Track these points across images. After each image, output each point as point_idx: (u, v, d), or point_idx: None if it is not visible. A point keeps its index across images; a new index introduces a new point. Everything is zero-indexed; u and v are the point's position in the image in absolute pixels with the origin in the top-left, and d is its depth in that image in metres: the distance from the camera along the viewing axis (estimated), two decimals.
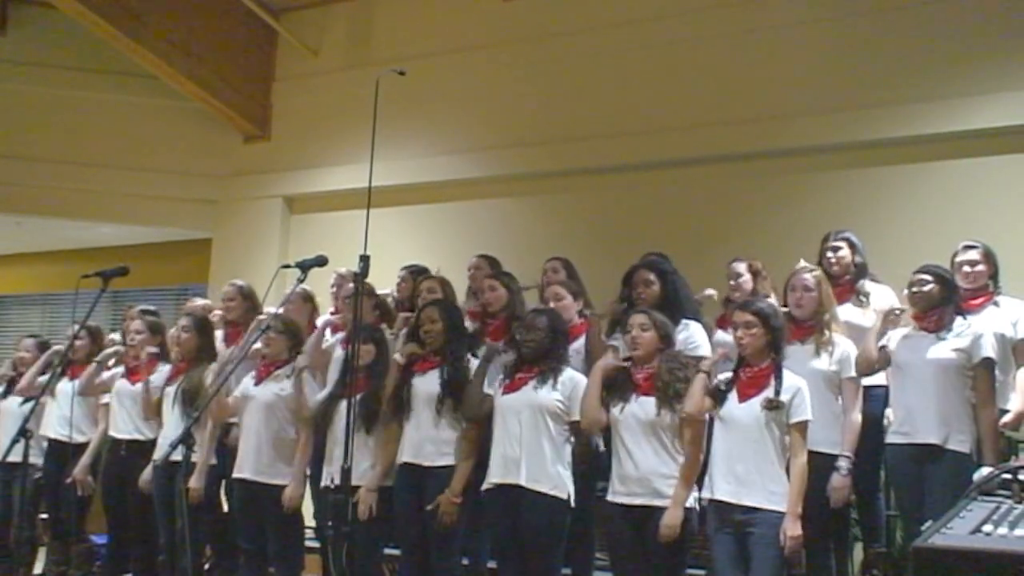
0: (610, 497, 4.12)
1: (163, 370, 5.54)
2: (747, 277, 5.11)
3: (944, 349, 4.24)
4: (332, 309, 5.92)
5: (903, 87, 6.30)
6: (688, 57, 7.01)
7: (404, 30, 8.21)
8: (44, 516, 6.11)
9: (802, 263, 4.63)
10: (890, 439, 4.35)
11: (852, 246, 4.94)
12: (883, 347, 4.36)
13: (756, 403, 3.84)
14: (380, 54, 8.14)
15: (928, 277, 4.34)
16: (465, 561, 4.63)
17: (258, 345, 5.19)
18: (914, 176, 6.25)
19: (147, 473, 5.29)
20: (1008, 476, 2.51)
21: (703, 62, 6.96)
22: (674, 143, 6.96)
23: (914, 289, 4.36)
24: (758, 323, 3.91)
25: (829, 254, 4.93)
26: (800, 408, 3.85)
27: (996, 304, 4.62)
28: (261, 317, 5.29)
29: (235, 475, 4.95)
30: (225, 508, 5.50)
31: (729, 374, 4.02)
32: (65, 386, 5.86)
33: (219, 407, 5.00)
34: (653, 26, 7.14)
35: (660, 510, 3.94)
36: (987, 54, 6.10)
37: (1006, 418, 4.27)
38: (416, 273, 5.80)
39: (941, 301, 4.31)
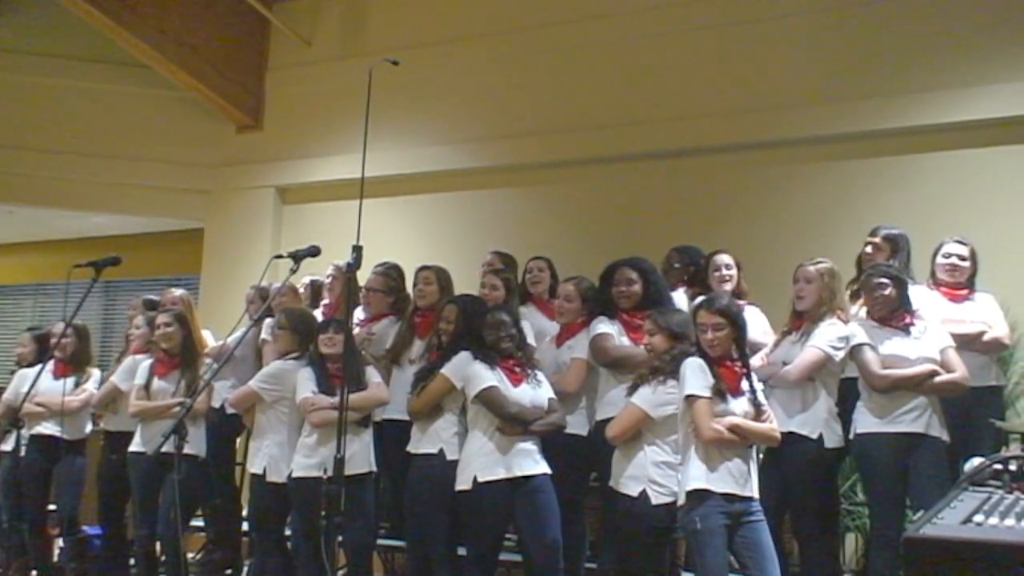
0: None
1: (142, 363, 5.49)
2: (735, 271, 5.08)
3: (923, 348, 4.32)
4: (327, 301, 5.90)
5: (894, 78, 6.28)
6: (680, 48, 6.98)
7: (397, 20, 8.17)
8: (52, 508, 6.07)
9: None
10: (875, 428, 4.33)
11: (894, 246, 4.81)
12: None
13: (744, 400, 3.88)
14: (373, 44, 8.10)
15: (887, 281, 4.38)
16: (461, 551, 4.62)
17: (265, 336, 5.35)
18: (906, 167, 6.24)
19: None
20: (999, 466, 2.53)
21: (695, 53, 6.94)
22: (666, 134, 6.94)
23: (876, 294, 4.40)
24: (727, 324, 3.91)
25: (868, 248, 4.89)
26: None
27: (973, 300, 4.74)
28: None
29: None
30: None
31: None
32: (52, 385, 5.75)
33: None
34: (645, 17, 7.11)
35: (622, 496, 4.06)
36: (980, 45, 6.08)
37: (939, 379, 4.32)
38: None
39: (899, 302, 4.39)
